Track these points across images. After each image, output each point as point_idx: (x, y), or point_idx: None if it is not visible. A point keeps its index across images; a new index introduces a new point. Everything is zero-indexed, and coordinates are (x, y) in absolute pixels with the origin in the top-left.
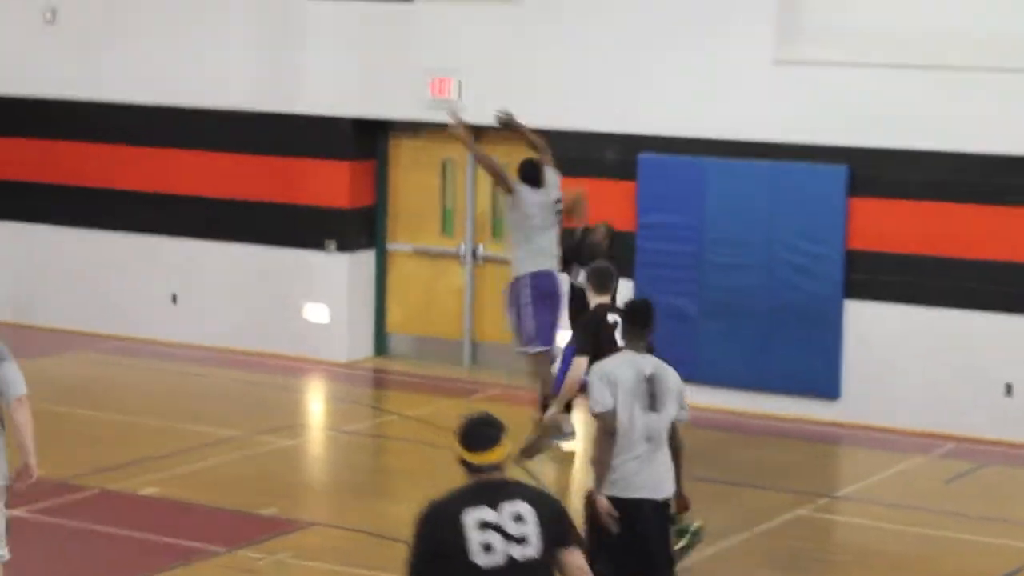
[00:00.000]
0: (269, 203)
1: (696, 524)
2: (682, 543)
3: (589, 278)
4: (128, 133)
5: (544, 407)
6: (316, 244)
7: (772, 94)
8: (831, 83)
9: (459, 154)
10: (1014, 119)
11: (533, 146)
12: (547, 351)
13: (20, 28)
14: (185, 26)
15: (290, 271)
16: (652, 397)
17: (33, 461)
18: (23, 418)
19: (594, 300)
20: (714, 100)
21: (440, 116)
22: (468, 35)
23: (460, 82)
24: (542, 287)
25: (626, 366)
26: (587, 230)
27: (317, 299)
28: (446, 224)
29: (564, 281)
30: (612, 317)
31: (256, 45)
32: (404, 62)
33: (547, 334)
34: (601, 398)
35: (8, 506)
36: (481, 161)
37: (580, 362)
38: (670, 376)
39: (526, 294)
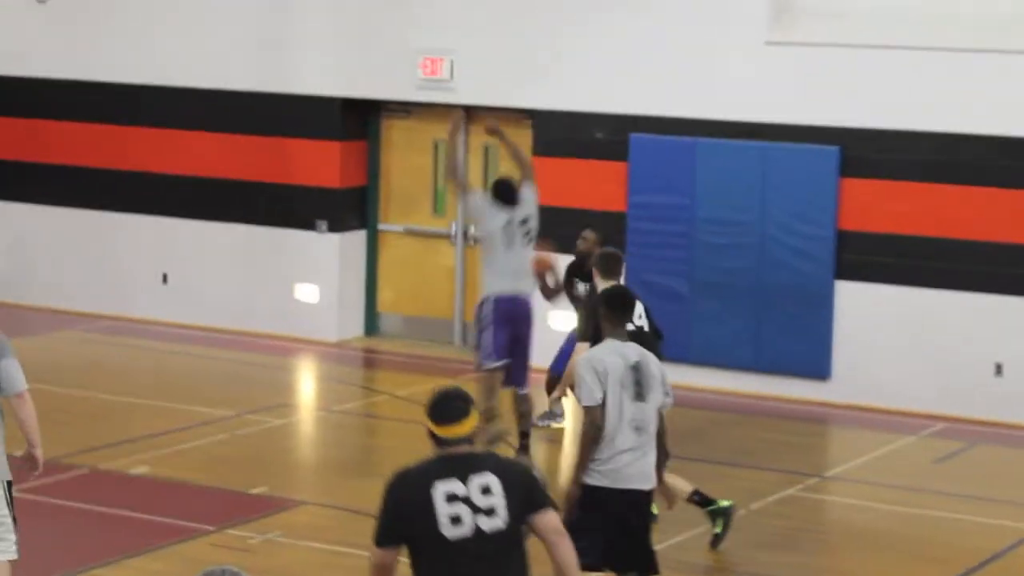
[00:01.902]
0: (260, 183)
1: (728, 503)
2: (717, 529)
3: (596, 262)
4: (118, 113)
5: (489, 418)
6: (307, 224)
7: (764, 75)
8: (823, 64)
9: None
10: (1005, 100)
11: (516, 160)
12: (501, 366)
13: (10, 7)
14: (176, 5)
15: (281, 251)
16: (639, 386)
17: (39, 452)
18: (26, 413)
19: (601, 284)
20: (706, 80)
21: (432, 96)
22: (460, 15)
23: (452, 62)
24: (505, 310)
25: (613, 355)
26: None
27: (308, 279)
28: (437, 204)
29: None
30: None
31: (248, 24)
32: (396, 42)
33: (503, 351)
34: (591, 392)
35: (12, 505)
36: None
37: (581, 347)
38: (653, 363)
39: (488, 317)
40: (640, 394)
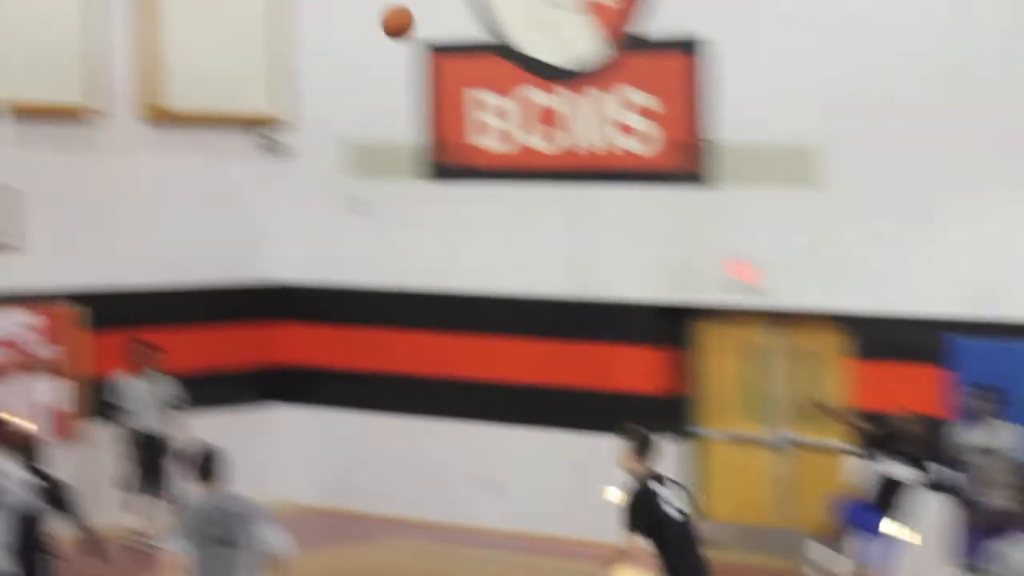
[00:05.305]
0: (578, 389)
1: None
2: None
3: (629, 438)
4: (440, 320)
5: None
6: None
7: None
8: None
9: (765, 339)
10: None
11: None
12: None
13: (325, 217)
14: (491, 216)
15: (599, 457)
16: None
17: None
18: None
19: (637, 469)
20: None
21: (744, 301)
22: (770, 220)
23: (764, 266)
24: None
25: None
26: (899, 418)
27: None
28: (757, 410)
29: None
30: (654, 485)
31: (561, 232)
32: (708, 248)
33: None
34: None
35: None
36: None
37: (636, 543)
38: None
39: None
40: None
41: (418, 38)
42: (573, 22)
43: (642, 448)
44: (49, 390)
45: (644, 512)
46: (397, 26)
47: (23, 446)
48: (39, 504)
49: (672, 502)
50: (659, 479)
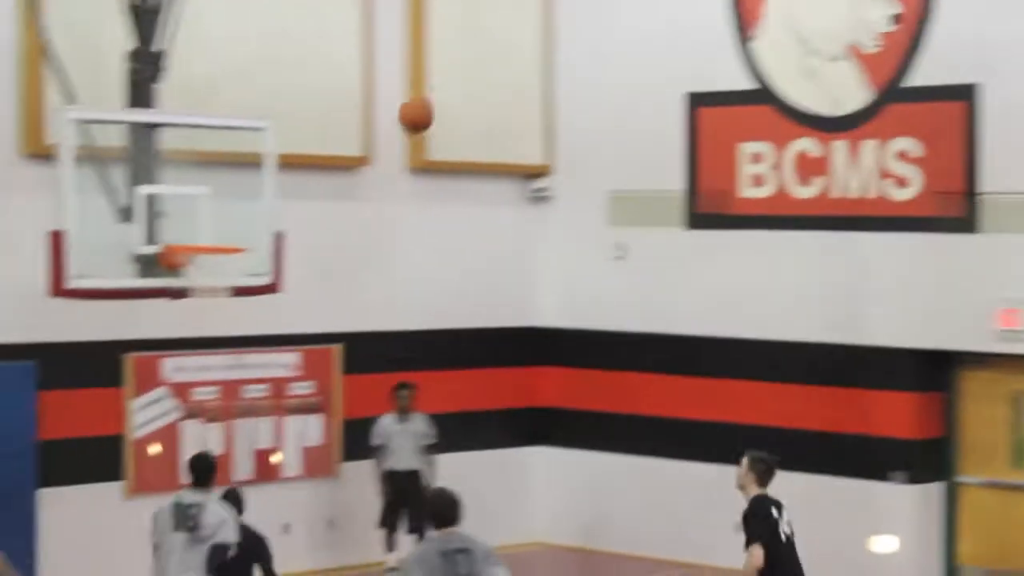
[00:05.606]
0: (833, 433)
1: None
2: None
3: (752, 465)
4: (693, 364)
5: None
6: (881, 475)
7: None
8: None
9: None
10: None
11: None
12: None
13: (590, 264)
14: (752, 263)
15: (855, 502)
16: None
17: None
18: None
19: (755, 491)
20: None
21: (1010, 348)
22: None
23: None
24: None
25: None
26: None
27: (884, 531)
28: (1018, 457)
29: None
30: (775, 511)
31: (823, 280)
32: (971, 293)
33: None
34: None
35: None
36: None
37: (757, 551)
38: None
39: None
40: None
41: (682, 87)
42: (838, 70)
43: (762, 472)
44: (309, 429)
45: (763, 524)
46: (413, 118)
47: (232, 496)
48: (235, 548)
49: (782, 524)
50: (774, 503)
